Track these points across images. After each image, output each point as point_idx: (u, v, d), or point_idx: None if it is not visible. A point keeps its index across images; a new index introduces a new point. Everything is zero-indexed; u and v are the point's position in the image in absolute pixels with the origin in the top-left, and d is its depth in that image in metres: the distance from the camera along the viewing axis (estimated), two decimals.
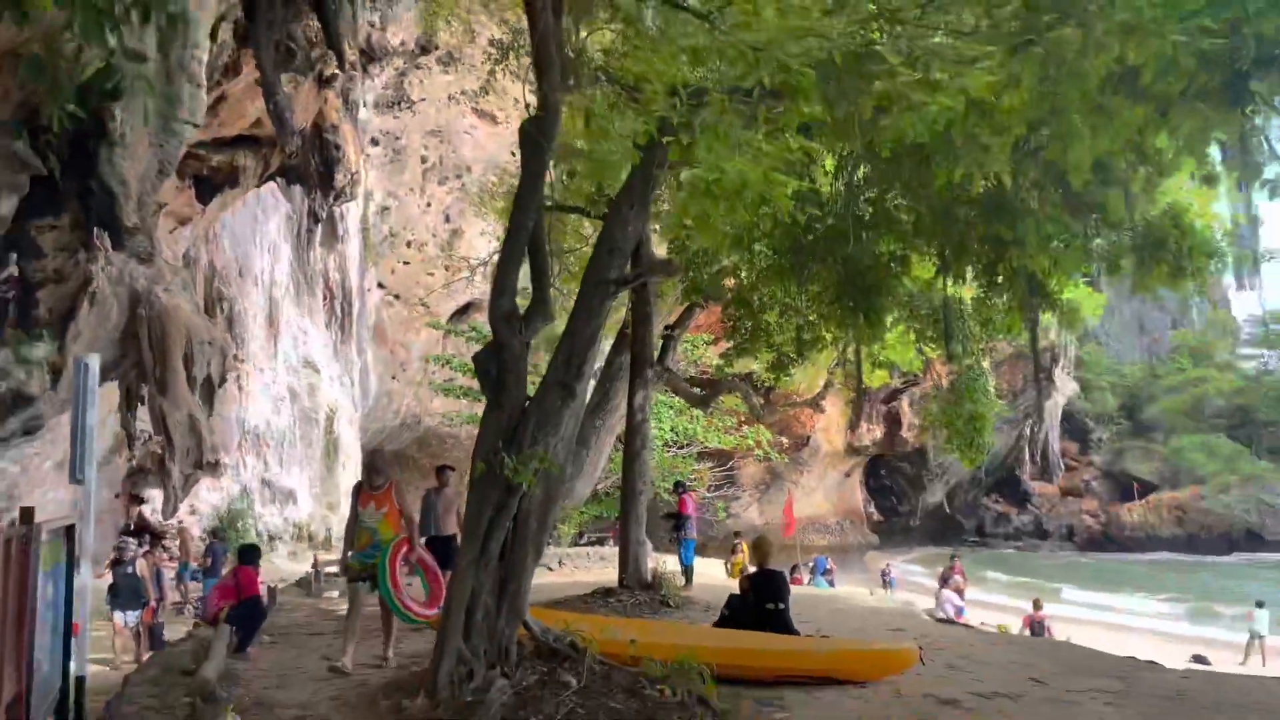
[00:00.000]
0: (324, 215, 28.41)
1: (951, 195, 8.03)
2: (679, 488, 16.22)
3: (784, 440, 48.59)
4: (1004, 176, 8.15)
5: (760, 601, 7.32)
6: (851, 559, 54.56)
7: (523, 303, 6.79)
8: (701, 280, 11.69)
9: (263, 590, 9.55)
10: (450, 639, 6.15)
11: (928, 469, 63.70)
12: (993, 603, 35.22)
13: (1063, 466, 75.38)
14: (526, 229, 6.60)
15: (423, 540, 8.76)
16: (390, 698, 6.29)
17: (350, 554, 8.04)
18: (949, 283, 9.53)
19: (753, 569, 8.29)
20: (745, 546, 21.40)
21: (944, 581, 18.47)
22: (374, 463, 8.78)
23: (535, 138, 6.42)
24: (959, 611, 17.41)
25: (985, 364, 12.85)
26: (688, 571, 14.40)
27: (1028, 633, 15.07)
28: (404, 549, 7.79)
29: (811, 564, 28.92)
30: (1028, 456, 72.67)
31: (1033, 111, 5.79)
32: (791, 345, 12.00)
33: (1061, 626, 26.17)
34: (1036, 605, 15.55)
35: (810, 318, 10.74)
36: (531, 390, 6.83)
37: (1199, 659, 20.21)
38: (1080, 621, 30.08)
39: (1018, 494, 74.40)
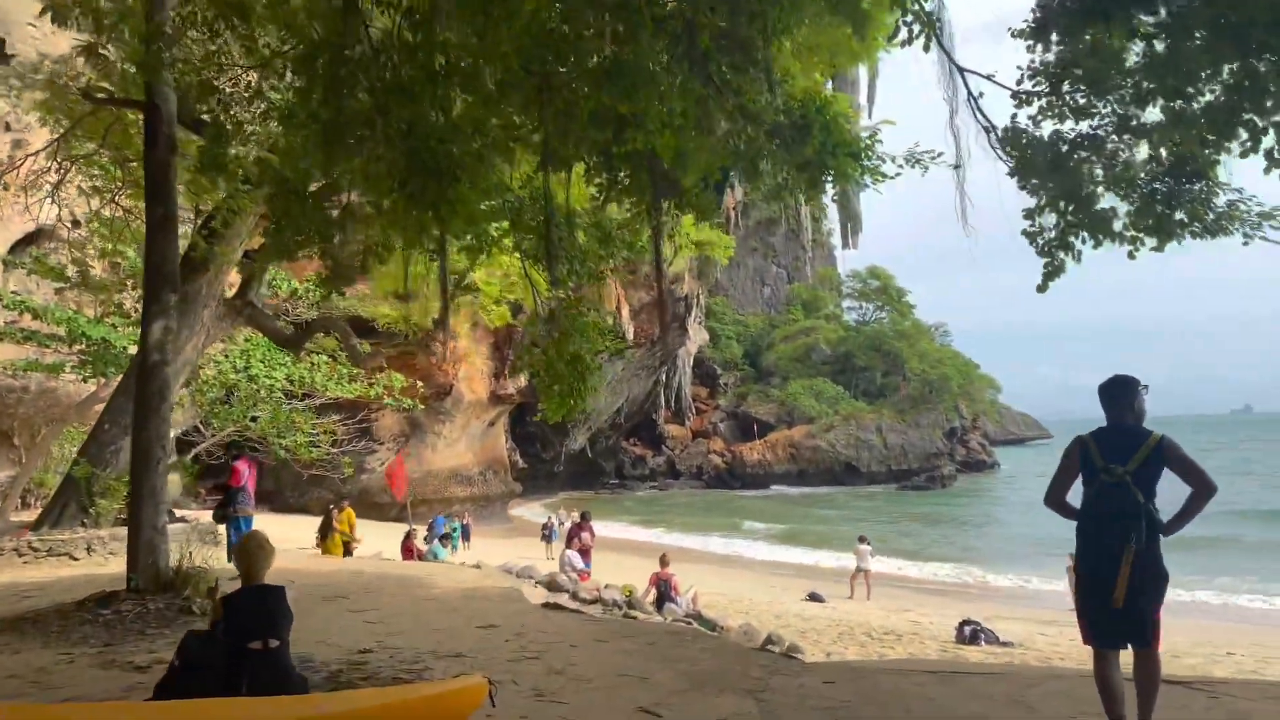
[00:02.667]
0: None
1: (549, 46, 5.78)
2: (233, 451, 12.74)
3: (421, 388, 45.53)
4: (618, 28, 5.99)
5: (239, 638, 4.62)
6: (495, 509, 53.15)
7: None
8: (222, 154, 8.44)
9: None
10: None
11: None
12: (629, 540, 35.47)
13: (694, 410, 79.85)
14: None
15: None
16: None
17: None
18: (550, 175, 7.29)
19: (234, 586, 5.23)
20: (350, 517, 18.35)
21: (570, 540, 16.87)
22: None
23: None
24: (584, 571, 15.92)
25: (613, 292, 10.86)
26: None
27: (654, 592, 13.75)
28: None
29: (429, 525, 26.47)
30: (663, 401, 75.95)
31: None
32: (350, 248, 9.10)
33: (690, 570, 26.26)
34: (663, 562, 14.30)
35: (367, 209, 7.97)
36: None
37: (814, 596, 20.65)
38: (706, 560, 30.84)
39: (654, 437, 77.71)
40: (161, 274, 9.33)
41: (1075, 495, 4.81)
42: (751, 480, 70.33)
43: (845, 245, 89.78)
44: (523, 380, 55.16)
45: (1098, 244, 7.01)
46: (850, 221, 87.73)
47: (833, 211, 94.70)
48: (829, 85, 8.51)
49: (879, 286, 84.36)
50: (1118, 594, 4.41)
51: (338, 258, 11.51)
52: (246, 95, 9.08)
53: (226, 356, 27.08)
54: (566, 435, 65.47)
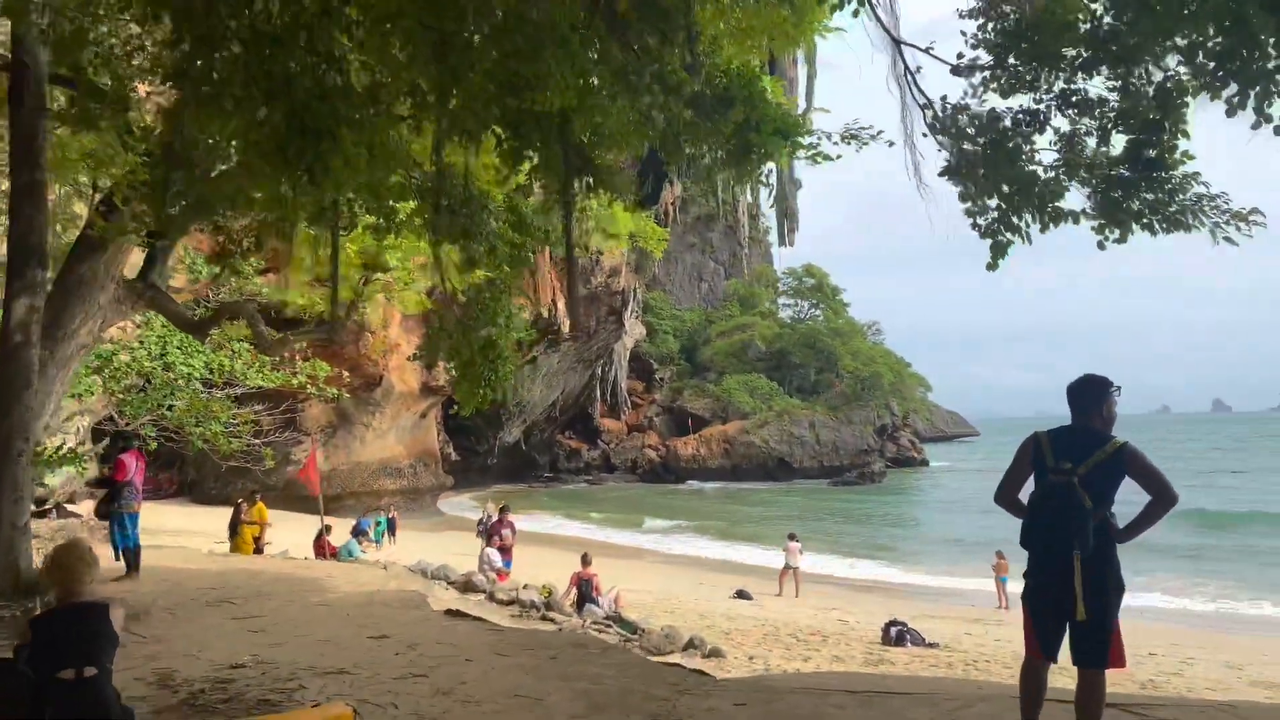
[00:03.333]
0: None
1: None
2: (120, 442, 11.78)
3: (349, 378, 44.26)
4: None
5: (47, 666, 3.90)
6: (425, 502, 52.11)
7: None
8: (93, 110, 7.58)
9: None
10: None
11: (505, 408, 63.14)
12: (559, 535, 34.80)
13: (630, 404, 79.46)
14: None
15: None
16: None
17: None
18: (452, 144, 6.63)
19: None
20: (261, 512, 17.42)
21: (489, 537, 16.19)
22: None
23: None
24: (503, 571, 15.29)
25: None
26: (129, 556, 10.30)
27: (575, 592, 13.20)
28: None
29: (355, 526, 25.50)
30: (599, 395, 75.40)
31: None
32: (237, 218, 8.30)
33: (619, 567, 25.78)
34: (585, 561, 13.75)
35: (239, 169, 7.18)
36: None
37: (742, 594, 20.34)
38: (636, 556, 30.39)
39: (589, 430, 77.12)
40: (27, 247, 8.45)
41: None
42: (685, 474, 70.21)
43: (782, 243, 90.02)
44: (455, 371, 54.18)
45: (1045, 227, 6.64)
46: (788, 219, 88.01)
47: (770, 208, 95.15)
48: (769, 72, 8.03)
49: (814, 284, 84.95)
50: (1078, 609, 4.03)
51: (231, 233, 10.72)
52: (127, 50, 8.28)
53: (142, 343, 25.82)
54: (500, 428, 64.53)
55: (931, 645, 13.40)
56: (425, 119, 6.10)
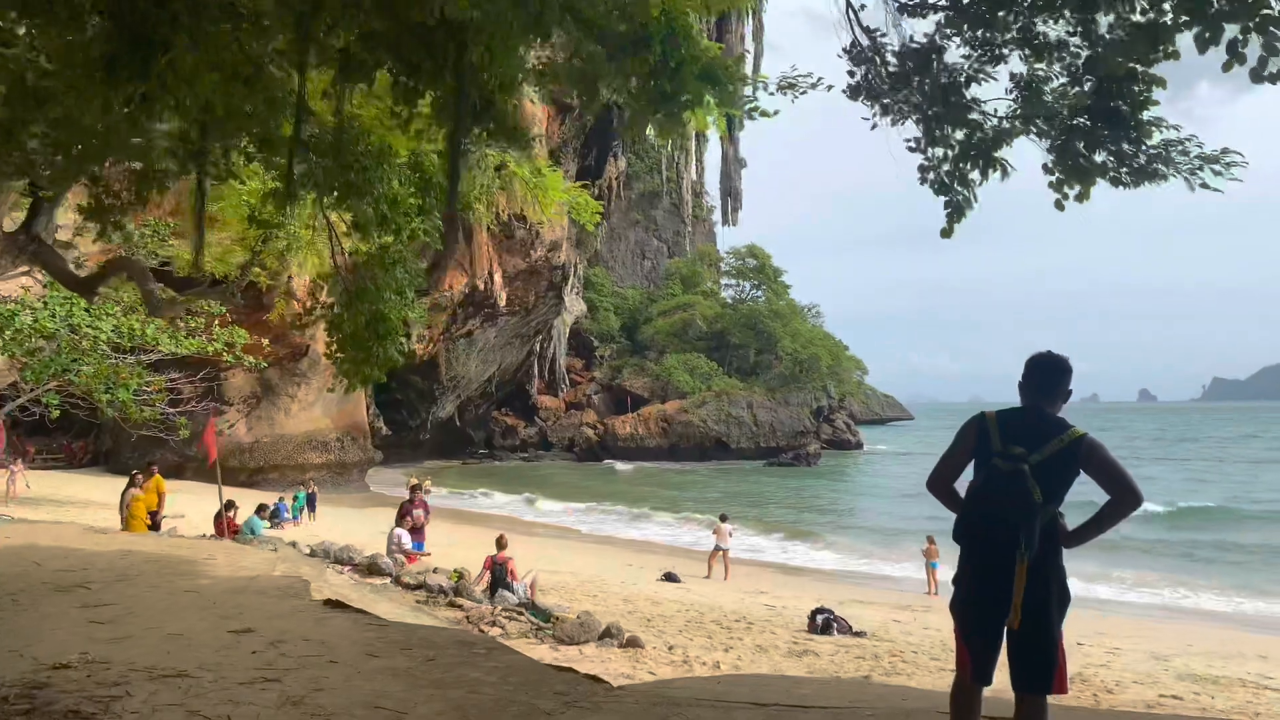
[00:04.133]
0: None
1: None
2: None
3: (270, 347, 42.62)
4: None
5: None
6: (352, 477, 50.75)
7: None
8: None
9: None
10: None
11: (439, 383, 61.91)
12: (480, 513, 33.97)
13: (569, 382, 78.60)
14: None
15: None
16: None
17: None
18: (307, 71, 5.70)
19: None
20: (158, 485, 16.31)
21: (401, 517, 15.31)
22: None
23: None
24: (413, 553, 14.50)
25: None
26: None
27: (488, 577, 12.48)
28: None
29: (271, 509, 24.34)
30: (537, 372, 74.36)
31: None
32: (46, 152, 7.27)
33: (547, 547, 25.12)
34: (500, 544, 13.01)
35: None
36: None
37: (670, 576, 19.84)
38: (558, 535, 29.75)
39: (526, 408, 76.08)
40: None
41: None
42: (623, 453, 69.69)
43: (725, 222, 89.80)
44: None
45: (985, 175, 6.04)
46: (731, 198, 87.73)
47: (715, 187, 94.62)
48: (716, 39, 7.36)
49: (757, 265, 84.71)
50: (1013, 616, 3.43)
51: (107, 185, 9.73)
52: None
53: (46, 305, 24.34)
54: (434, 403, 63.18)
55: (859, 634, 13.01)
56: (294, 44, 5.25)
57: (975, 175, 6.14)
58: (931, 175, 6.31)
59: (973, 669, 3.60)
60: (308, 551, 12.25)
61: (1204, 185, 5.90)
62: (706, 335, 78.92)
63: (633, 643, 10.35)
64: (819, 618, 13.27)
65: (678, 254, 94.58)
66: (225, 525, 15.80)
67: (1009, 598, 3.44)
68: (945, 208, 6.35)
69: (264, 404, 48.08)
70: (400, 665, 5.13)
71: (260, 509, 17.29)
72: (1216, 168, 5.90)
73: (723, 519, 22.31)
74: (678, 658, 9.99)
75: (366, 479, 51.20)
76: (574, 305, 78.50)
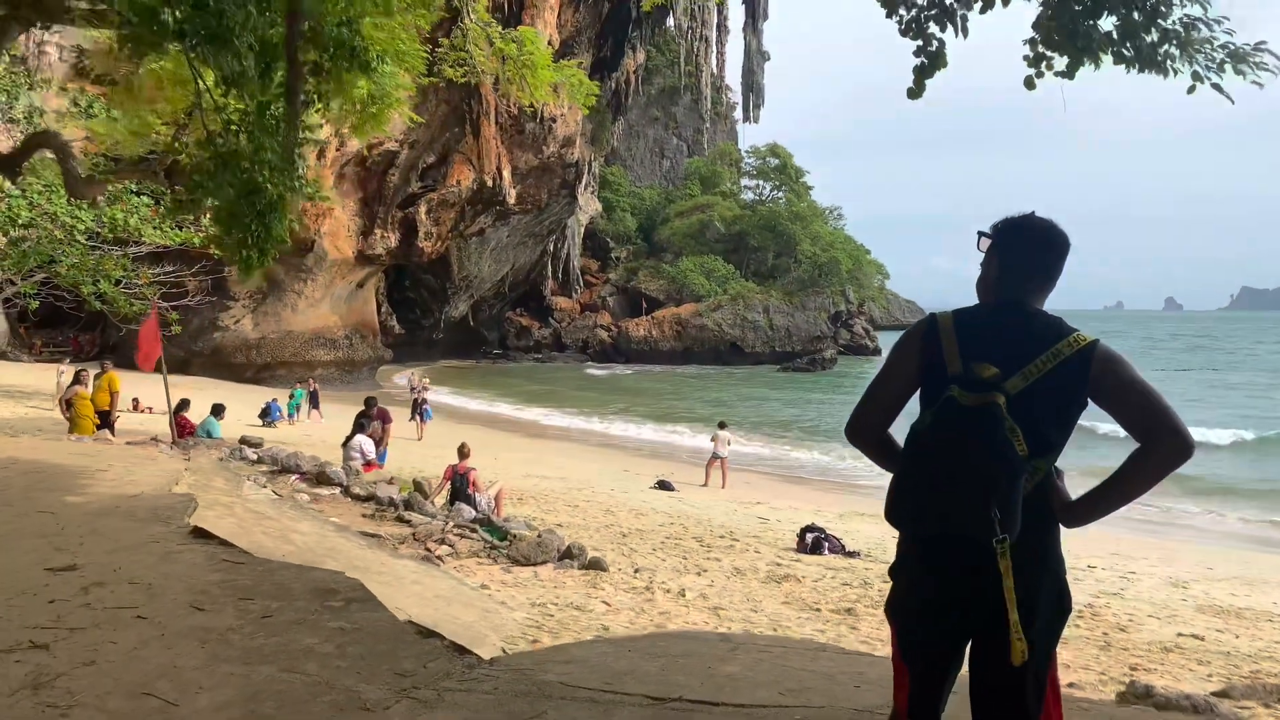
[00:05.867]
0: None
1: None
2: None
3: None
4: None
5: None
6: (362, 375, 50.28)
7: None
8: None
9: None
10: None
11: (451, 281, 60.86)
12: (489, 415, 33.11)
13: (583, 283, 77.19)
14: None
15: None
16: None
17: None
18: None
19: None
20: (111, 382, 15.37)
21: (360, 426, 14.27)
22: None
23: None
24: (374, 462, 13.57)
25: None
26: None
27: (448, 487, 11.51)
28: None
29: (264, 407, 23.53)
30: (550, 273, 72.98)
31: None
32: None
33: (547, 450, 24.33)
34: (461, 453, 11.99)
35: None
36: None
37: (664, 484, 18.98)
38: (559, 438, 28.97)
39: (541, 309, 75.02)
40: None
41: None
42: (637, 356, 68.80)
43: (746, 119, 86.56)
44: (393, 240, 51.39)
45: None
46: (753, 94, 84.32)
47: (736, 81, 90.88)
48: None
49: (778, 165, 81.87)
50: (1013, 646, 2.14)
51: None
52: None
53: (23, 192, 23.24)
54: (447, 302, 62.24)
55: (851, 554, 12.04)
56: None
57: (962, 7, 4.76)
58: (904, 13, 4.91)
59: (912, 700, 2.38)
60: (254, 458, 11.28)
61: (1215, 87, 4.48)
62: (724, 237, 76.91)
63: (595, 565, 9.42)
64: (809, 536, 12.30)
65: (697, 153, 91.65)
66: (180, 425, 14.90)
67: (977, 602, 2.22)
68: (915, 53, 5.00)
69: (270, 300, 47.21)
70: (222, 624, 4.07)
71: (216, 409, 16.33)
72: (1243, 66, 4.46)
73: (721, 426, 21.35)
74: (640, 583, 9.05)
75: (377, 377, 50.70)
76: (588, 205, 76.53)
